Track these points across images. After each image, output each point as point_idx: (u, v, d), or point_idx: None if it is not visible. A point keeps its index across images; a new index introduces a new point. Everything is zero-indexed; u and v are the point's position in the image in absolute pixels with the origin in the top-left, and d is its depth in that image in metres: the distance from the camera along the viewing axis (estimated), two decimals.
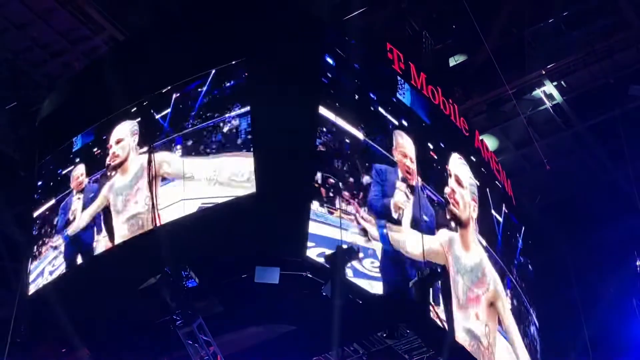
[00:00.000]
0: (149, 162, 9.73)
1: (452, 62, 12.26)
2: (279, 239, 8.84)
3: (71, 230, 10.30)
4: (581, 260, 13.51)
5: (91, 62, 11.80)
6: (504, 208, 11.78)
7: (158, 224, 9.31)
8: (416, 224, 9.48)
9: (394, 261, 9.16)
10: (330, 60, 9.48)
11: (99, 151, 10.42)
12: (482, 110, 12.85)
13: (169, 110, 9.91)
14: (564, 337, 13.12)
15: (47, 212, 10.70)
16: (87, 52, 12.01)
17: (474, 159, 11.26)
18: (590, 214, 13.55)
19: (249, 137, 9.16)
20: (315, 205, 8.65)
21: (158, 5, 11.16)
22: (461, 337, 9.68)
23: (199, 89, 9.82)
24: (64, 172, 10.74)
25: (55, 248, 10.41)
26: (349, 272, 8.51)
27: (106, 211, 10.01)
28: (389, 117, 9.81)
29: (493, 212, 11.41)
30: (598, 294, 13.36)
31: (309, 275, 8.78)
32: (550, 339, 12.54)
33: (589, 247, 13.54)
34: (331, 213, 8.74)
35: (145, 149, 9.86)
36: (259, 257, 8.86)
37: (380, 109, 9.80)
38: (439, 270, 9.46)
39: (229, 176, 9.14)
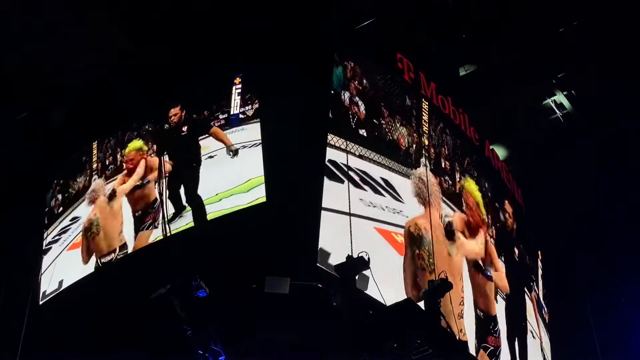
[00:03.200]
0: (160, 172, 9.84)
1: (462, 71, 12.25)
2: (289, 248, 8.85)
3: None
4: (592, 269, 13.45)
5: (103, 73, 11.88)
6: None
7: (168, 234, 9.35)
8: None
9: None
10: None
11: None
12: (492, 118, 12.83)
13: None
14: (575, 345, 13.05)
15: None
16: (100, 63, 12.05)
17: None
18: (600, 223, 13.50)
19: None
20: None
21: (173, 18, 11.21)
22: None
23: None
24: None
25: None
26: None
27: None
28: None
29: None
30: (610, 302, 13.29)
31: (319, 285, 8.78)
32: (561, 348, 12.49)
33: (600, 257, 13.48)
34: None
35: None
36: (269, 266, 8.88)
37: None
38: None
39: None
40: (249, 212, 9.14)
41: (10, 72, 11.58)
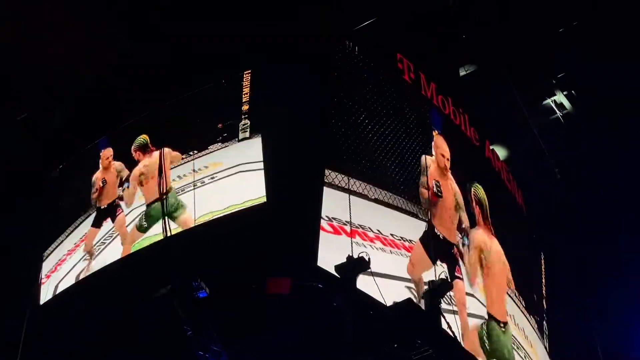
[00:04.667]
0: (160, 170, 9.85)
1: (462, 71, 12.26)
2: (290, 248, 8.85)
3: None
4: (593, 268, 13.45)
5: (104, 74, 11.89)
6: None
7: (169, 234, 9.36)
8: None
9: None
10: None
11: None
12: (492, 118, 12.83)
13: None
14: (576, 345, 13.04)
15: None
16: (100, 64, 12.05)
17: None
18: (600, 223, 13.50)
19: None
20: None
21: (173, 18, 11.22)
22: None
23: None
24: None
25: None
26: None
27: None
28: None
29: None
30: (612, 301, 13.29)
31: (319, 285, 8.77)
32: (562, 348, 12.48)
33: (601, 257, 13.47)
34: None
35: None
36: (269, 266, 8.87)
37: None
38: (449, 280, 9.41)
39: None
40: (249, 212, 9.13)
41: (10, 72, 11.58)
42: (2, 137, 11.97)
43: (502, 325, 10.17)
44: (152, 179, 10.30)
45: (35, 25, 11.30)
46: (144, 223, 10.07)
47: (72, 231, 10.85)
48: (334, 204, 8.72)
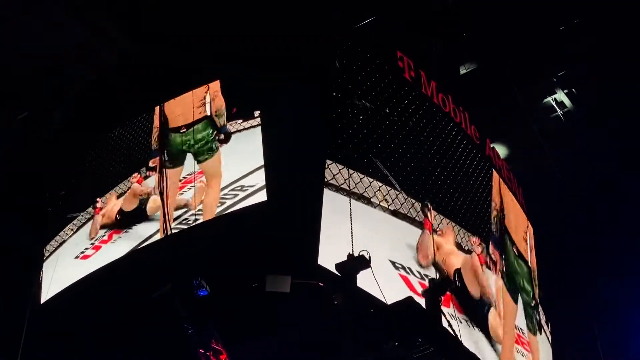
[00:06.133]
0: (161, 169, 9.86)
1: (463, 70, 12.27)
2: (290, 247, 8.85)
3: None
4: (594, 268, 13.45)
5: (103, 74, 11.90)
6: None
7: (168, 233, 9.37)
8: None
9: None
10: None
11: None
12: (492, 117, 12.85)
13: None
14: (576, 344, 13.04)
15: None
16: (100, 63, 12.06)
17: None
18: (600, 223, 13.51)
19: None
20: None
21: (173, 18, 11.24)
22: None
23: None
24: None
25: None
26: None
27: None
28: None
29: None
30: (612, 300, 13.29)
31: (320, 283, 8.77)
32: (562, 349, 12.48)
33: (602, 255, 13.48)
34: None
35: None
36: (270, 265, 8.87)
37: None
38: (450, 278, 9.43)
39: None
40: (249, 212, 9.13)
41: (10, 72, 11.58)
42: (2, 137, 11.97)
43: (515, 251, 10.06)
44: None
45: (35, 25, 11.30)
46: (166, 158, 10.05)
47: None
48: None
